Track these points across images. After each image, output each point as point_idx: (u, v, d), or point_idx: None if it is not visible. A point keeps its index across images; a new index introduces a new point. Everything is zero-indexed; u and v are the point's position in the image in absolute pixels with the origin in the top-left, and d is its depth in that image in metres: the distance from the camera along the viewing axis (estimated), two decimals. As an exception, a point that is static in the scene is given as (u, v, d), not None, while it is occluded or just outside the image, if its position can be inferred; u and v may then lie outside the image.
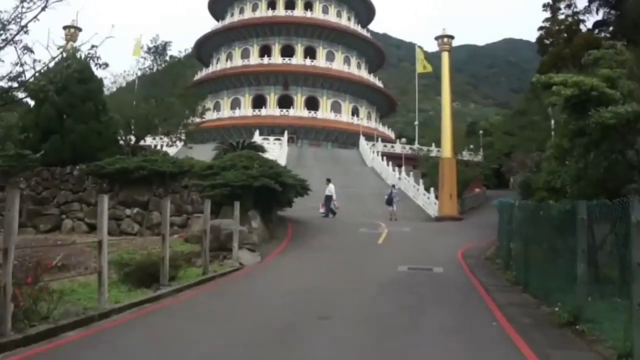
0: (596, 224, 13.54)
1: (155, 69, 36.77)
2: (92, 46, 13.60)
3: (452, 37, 51.52)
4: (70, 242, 26.66)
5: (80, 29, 50.78)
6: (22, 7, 14.03)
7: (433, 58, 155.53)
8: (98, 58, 13.42)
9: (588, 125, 15.28)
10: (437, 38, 51.72)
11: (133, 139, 36.32)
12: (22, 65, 13.64)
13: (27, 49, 13.88)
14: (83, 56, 41.45)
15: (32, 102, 34.40)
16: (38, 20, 14.08)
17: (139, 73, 36.80)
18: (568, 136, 17.39)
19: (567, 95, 15.75)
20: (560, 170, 19.01)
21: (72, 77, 34.63)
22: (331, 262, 24.26)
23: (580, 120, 15.91)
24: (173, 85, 37.14)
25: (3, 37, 14.29)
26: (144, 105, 36.45)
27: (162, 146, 50.39)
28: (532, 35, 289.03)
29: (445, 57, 50.98)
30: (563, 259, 14.88)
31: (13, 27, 14.20)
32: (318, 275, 21.09)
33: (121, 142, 35.88)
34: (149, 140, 52.11)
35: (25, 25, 14.15)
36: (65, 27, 50.33)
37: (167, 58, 37.05)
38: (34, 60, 14.02)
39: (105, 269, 14.31)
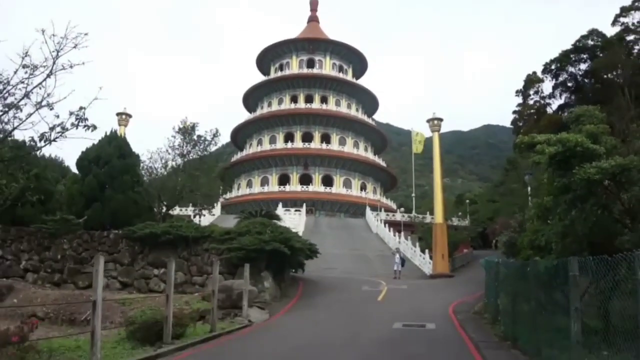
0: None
1: (184, 147, 34.61)
2: (81, 107, 11.01)
3: (441, 120, 49.63)
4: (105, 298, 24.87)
5: (130, 115, 49.76)
6: (26, 72, 11.66)
7: (428, 142, 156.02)
8: (86, 119, 10.90)
9: (573, 181, 12.68)
10: (428, 121, 49.92)
11: (165, 208, 33.98)
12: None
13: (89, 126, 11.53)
14: (122, 133, 39.52)
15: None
16: (43, 87, 11.68)
17: (170, 150, 34.65)
18: (553, 193, 14.74)
19: (551, 152, 13.17)
20: (544, 229, 16.31)
21: (113, 152, 33.09)
22: (332, 319, 21.53)
23: (565, 177, 13.27)
24: (200, 160, 34.81)
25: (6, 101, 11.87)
26: (173, 177, 34.23)
27: (195, 216, 48.29)
28: (507, 121, 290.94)
29: (435, 136, 49.15)
30: (552, 314, 12.37)
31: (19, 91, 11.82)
32: (318, 332, 18.44)
33: (155, 210, 33.65)
34: (185, 211, 50.16)
35: (30, 92, 11.76)
36: (118, 114, 49.43)
37: (195, 137, 34.73)
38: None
39: (98, 328, 11.90)
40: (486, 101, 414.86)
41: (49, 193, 33.40)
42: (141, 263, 28.85)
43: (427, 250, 48.93)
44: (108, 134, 34.18)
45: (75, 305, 25.30)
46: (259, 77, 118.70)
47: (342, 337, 16.97)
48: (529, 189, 36.55)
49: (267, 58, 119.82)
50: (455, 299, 27.63)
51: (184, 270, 28.07)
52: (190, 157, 34.58)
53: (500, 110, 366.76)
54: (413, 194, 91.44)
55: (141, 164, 34.61)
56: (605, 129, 15.15)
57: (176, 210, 56.55)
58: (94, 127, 11.12)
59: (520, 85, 74.79)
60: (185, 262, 28.30)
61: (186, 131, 34.70)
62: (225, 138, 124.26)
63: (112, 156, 32.50)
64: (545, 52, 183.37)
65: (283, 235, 26.79)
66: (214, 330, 18.07)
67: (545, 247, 15.86)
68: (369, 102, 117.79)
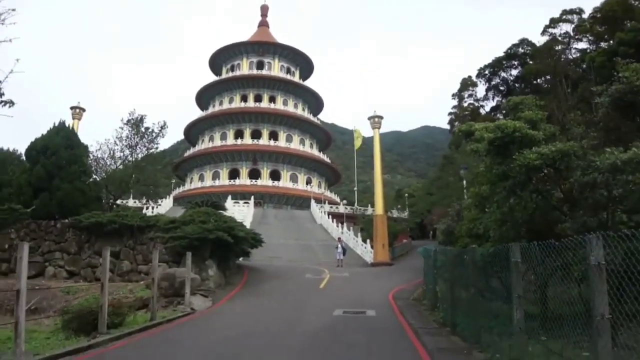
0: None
1: (132, 139, 32.74)
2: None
3: (381, 117, 48.73)
4: (47, 287, 23.32)
5: (84, 109, 47.52)
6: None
7: (368, 141, 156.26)
8: (2, 94, 9.43)
9: (512, 168, 11.66)
10: (369, 118, 48.98)
11: (112, 198, 32.14)
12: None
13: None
14: (75, 127, 37.24)
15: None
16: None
17: (117, 142, 32.70)
18: (491, 181, 13.67)
19: (490, 137, 12.13)
20: (482, 217, 15.34)
21: (61, 143, 31.18)
22: (274, 306, 20.29)
23: (504, 164, 12.23)
24: (147, 152, 32.94)
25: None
26: (120, 168, 32.37)
27: (147, 208, 46.40)
28: (444, 122, 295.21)
29: (376, 133, 48.28)
30: (491, 301, 11.51)
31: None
32: (258, 319, 17.15)
33: (103, 200, 31.80)
34: (136, 203, 48.21)
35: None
36: (72, 107, 47.18)
37: (142, 129, 32.85)
38: None
39: (22, 319, 10.46)
40: (424, 103, 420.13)
41: (-3, 183, 31.52)
42: (88, 252, 27.11)
43: (368, 240, 48.25)
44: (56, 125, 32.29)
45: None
46: (211, 78, 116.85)
47: (281, 324, 15.74)
48: (464, 182, 36.11)
49: (219, 59, 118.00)
50: (395, 286, 26.73)
51: (129, 258, 26.45)
52: (138, 149, 32.72)
53: (437, 112, 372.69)
54: (355, 188, 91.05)
55: (90, 155, 32.69)
56: (543, 115, 14.19)
57: (130, 202, 54.45)
58: (12, 103, 9.64)
59: (456, 88, 75.87)
60: (131, 250, 26.67)
61: (134, 123, 32.82)
62: (179, 135, 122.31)
63: (59, 146, 30.57)
64: (480, 58, 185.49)
65: (227, 225, 25.36)
66: (154, 319, 16.64)
67: (482, 234, 14.89)
68: (315, 102, 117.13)
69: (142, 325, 15.52)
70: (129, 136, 32.65)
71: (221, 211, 32.28)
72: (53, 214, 29.11)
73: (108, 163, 32.27)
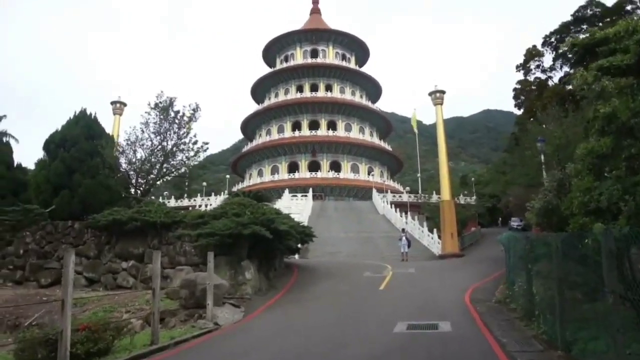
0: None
1: (161, 124, 28.36)
2: None
3: (443, 92, 43.38)
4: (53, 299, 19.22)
5: (125, 104, 44.07)
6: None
7: (430, 128, 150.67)
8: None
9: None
10: (430, 94, 43.60)
11: (140, 193, 28.01)
12: None
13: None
14: (117, 123, 33.25)
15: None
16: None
17: (144, 128, 28.39)
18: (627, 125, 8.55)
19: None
20: (602, 185, 10.28)
21: (81, 133, 27.36)
22: (317, 319, 15.61)
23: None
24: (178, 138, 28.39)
25: None
26: (150, 158, 28.09)
27: (201, 206, 42.45)
28: (505, 105, 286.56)
29: (438, 109, 42.91)
30: None
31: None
32: (292, 341, 12.59)
33: (131, 195, 27.75)
34: (190, 201, 44.35)
35: None
36: (112, 103, 43.88)
37: (172, 113, 28.42)
38: None
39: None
40: (485, 86, 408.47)
41: (22, 183, 27.92)
42: (108, 255, 23.09)
43: (435, 230, 43.42)
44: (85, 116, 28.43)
45: (23, 307, 19.81)
46: (265, 70, 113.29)
47: (318, 350, 11.12)
48: (542, 157, 30.78)
49: (272, 51, 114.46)
50: (470, 283, 21.77)
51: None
52: (168, 136, 28.26)
53: (498, 94, 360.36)
54: (419, 175, 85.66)
55: (117, 147, 28.68)
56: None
57: (171, 202, 50.66)
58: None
59: (515, 65, 69.97)
60: (155, 252, 22.50)
61: (163, 108, 28.46)
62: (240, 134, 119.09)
63: (79, 137, 26.79)
64: (542, 30, 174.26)
65: (265, 217, 20.73)
66: (156, 342, 12.35)
67: (608, 209, 9.86)
68: (373, 88, 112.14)
69: (133, 355, 11.21)
70: (157, 122, 28.34)
71: (266, 203, 27.86)
72: (75, 213, 25.36)
73: (135, 152, 28.09)
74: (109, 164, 25.92)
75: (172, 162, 28.22)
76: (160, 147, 28.00)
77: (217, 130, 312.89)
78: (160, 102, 28.58)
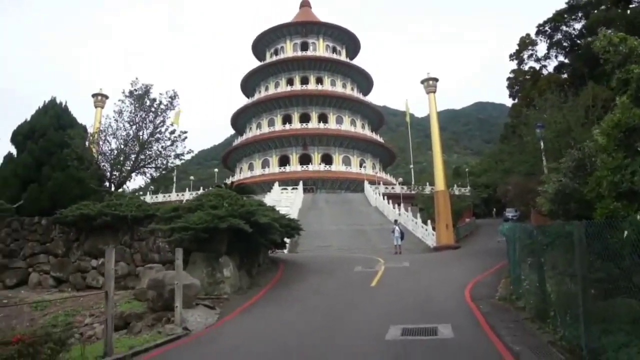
0: None
1: (136, 113, 26.24)
2: None
3: (436, 80, 41.22)
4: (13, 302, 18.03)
5: (107, 96, 41.96)
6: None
7: (422, 121, 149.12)
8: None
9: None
10: (422, 81, 41.41)
11: (114, 186, 25.95)
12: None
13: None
14: (98, 116, 31.04)
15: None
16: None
17: (117, 117, 26.28)
18: None
19: None
20: (635, 163, 8.39)
21: (50, 123, 25.34)
22: (301, 321, 13.65)
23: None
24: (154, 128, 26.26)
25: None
26: (123, 149, 25.99)
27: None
28: (496, 97, 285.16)
29: (431, 98, 40.85)
30: None
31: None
32: (270, 350, 10.55)
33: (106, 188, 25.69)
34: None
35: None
36: (94, 95, 41.82)
37: (147, 102, 26.30)
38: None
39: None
40: (475, 79, 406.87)
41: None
42: (77, 253, 21.04)
43: (429, 222, 41.33)
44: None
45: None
46: (255, 64, 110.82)
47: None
48: (542, 143, 29.14)
49: (262, 44, 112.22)
50: (469, 277, 19.85)
51: (126, 259, 20.26)
52: (144, 125, 26.15)
53: (490, 87, 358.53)
54: (411, 166, 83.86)
55: (90, 137, 26.63)
56: None
57: (159, 197, 48.11)
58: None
59: (513, 50, 68.10)
60: (127, 249, 20.49)
61: (138, 96, 26.32)
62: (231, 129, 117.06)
63: (48, 128, 24.71)
64: (536, 19, 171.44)
65: (244, 209, 18.71)
66: (110, 353, 10.49)
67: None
68: (364, 81, 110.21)
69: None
70: (132, 111, 26.22)
71: (250, 195, 25.94)
72: (45, 209, 23.29)
73: (108, 143, 26.01)
74: (79, 155, 23.79)
75: (148, 153, 26.21)
76: (135, 137, 25.96)
77: (209, 126, 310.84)
78: (136, 90, 26.51)
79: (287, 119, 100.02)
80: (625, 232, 6.89)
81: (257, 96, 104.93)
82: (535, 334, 10.53)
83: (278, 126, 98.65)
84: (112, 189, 25.53)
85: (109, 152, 26.08)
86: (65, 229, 21.50)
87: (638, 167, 8.16)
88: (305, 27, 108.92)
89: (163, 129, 26.44)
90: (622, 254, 7.40)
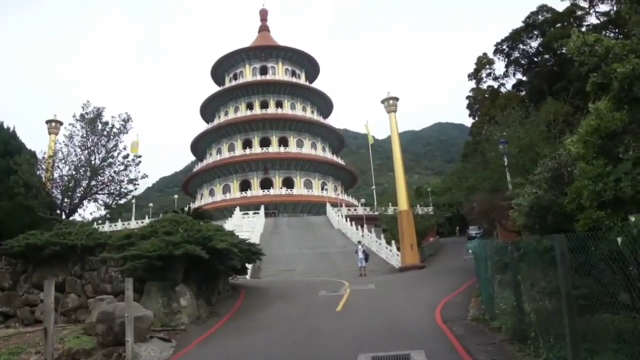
0: None
1: (88, 138, 25.03)
2: None
3: (396, 99, 40.70)
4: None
5: (61, 123, 40.37)
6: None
7: (383, 143, 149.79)
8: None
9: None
10: (383, 101, 40.94)
11: (64, 214, 24.63)
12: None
13: None
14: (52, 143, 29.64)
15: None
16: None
17: (68, 143, 25.05)
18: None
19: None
20: (618, 170, 7.76)
21: (-4, 149, 24.05)
22: (263, 351, 12.60)
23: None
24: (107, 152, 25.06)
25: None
26: (74, 175, 24.72)
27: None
28: (456, 118, 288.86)
29: (392, 117, 40.29)
30: None
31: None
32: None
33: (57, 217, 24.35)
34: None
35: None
36: (47, 121, 40.20)
37: (100, 126, 25.13)
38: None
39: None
40: (435, 101, 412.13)
41: None
42: (24, 286, 19.65)
43: (393, 242, 40.79)
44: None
45: None
46: (215, 89, 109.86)
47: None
48: (505, 159, 28.96)
49: (221, 69, 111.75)
50: (439, 297, 19.06)
51: (77, 290, 18.99)
52: (97, 150, 24.93)
53: (449, 107, 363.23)
54: (373, 187, 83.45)
55: (39, 164, 25.33)
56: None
57: (118, 225, 46.38)
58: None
59: (467, 75, 68.85)
60: (78, 280, 19.22)
61: (90, 120, 25.12)
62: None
63: (-6, 154, 23.46)
64: (491, 38, 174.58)
65: (201, 234, 17.69)
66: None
67: (632, 199, 7.35)
68: (323, 104, 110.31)
69: None
70: (84, 135, 25.01)
71: (208, 220, 24.87)
72: (-9, 240, 21.87)
73: (58, 169, 24.71)
74: (25, 182, 22.49)
75: (101, 179, 25.00)
76: (86, 162, 24.75)
77: (169, 152, 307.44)
78: (87, 113, 25.33)
79: (247, 144, 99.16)
80: (619, 239, 6.21)
81: (216, 121, 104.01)
82: (516, 357, 9.77)
83: (238, 151, 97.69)
84: (64, 217, 24.21)
85: (59, 178, 24.79)
86: (11, 261, 20.11)
87: (622, 174, 7.53)
88: (264, 51, 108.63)
89: (116, 154, 25.31)
90: (610, 266, 6.74)
